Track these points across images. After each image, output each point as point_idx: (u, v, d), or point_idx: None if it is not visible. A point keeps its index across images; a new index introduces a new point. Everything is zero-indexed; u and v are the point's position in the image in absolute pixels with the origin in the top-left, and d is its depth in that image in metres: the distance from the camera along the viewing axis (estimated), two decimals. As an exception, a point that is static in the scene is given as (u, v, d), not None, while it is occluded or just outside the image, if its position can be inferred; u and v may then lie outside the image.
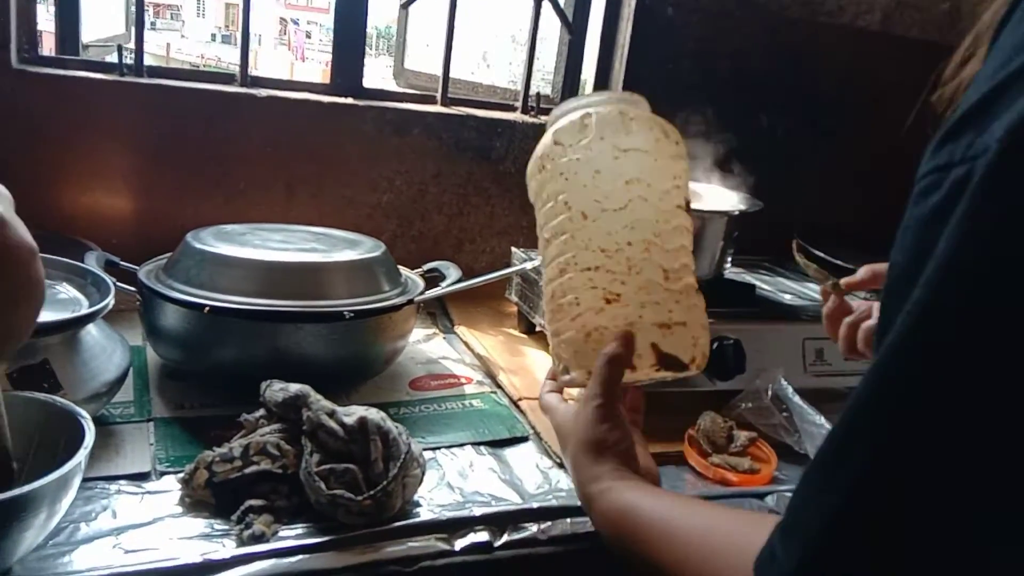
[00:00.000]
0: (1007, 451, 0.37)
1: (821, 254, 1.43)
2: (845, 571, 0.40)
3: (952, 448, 0.38)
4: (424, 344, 1.30)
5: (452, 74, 1.53)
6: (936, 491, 0.38)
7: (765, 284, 1.40)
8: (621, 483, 0.71)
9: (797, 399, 1.04)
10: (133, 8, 1.37)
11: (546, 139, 0.82)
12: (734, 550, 0.49)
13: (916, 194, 0.41)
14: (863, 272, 0.97)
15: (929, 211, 0.39)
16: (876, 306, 0.94)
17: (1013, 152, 0.36)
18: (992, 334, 0.37)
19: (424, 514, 0.84)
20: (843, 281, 0.99)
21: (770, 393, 1.07)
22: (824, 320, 1.00)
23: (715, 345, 1.10)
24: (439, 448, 0.98)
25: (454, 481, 0.92)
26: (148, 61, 1.34)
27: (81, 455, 0.69)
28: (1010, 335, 0.36)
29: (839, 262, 1.39)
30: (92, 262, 1.03)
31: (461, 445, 1.00)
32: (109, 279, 0.95)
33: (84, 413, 0.75)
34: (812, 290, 1.39)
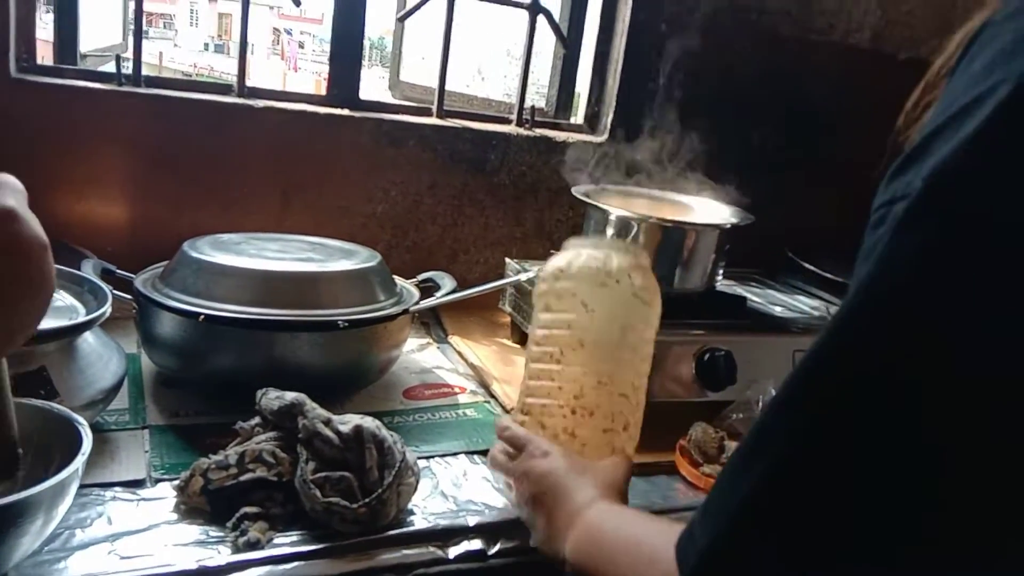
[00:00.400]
0: (899, 456, 0.41)
1: (813, 268, 1.45)
2: (749, 549, 0.45)
3: (847, 449, 0.42)
4: (418, 354, 1.30)
5: (448, 87, 1.54)
6: (834, 486, 0.43)
7: (756, 296, 1.41)
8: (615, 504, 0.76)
9: (787, 410, 1.05)
10: (131, 18, 1.38)
11: (620, 262, 0.88)
12: (662, 539, 0.53)
13: (869, 226, 0.44)
14: None
15: (874, 242, 0.43)
16: None
17: (930, 193, 0.40)
18: (890, 354, 0.41)
19: (418, 522, 0.85)
20: None
21: (760, 404, 1.08)
22: None
23: (706, 356, 1.12)
24: (433, 457, 0.99)
25: (448, 490, 0.93)
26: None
27: (78, 462, 0.69)
28: (905, 357, 0.41)
29: (828, 275, 1.41)
30: (89, 270, 1.04)
31: (455, 454, 1.01)
32: (106, 287, 0.96)
33: (81, 420, 0.75)
34: (802, 303, 1.40)
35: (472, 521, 0.86)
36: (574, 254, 0.90)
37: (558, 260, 0.91)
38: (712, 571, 0.46)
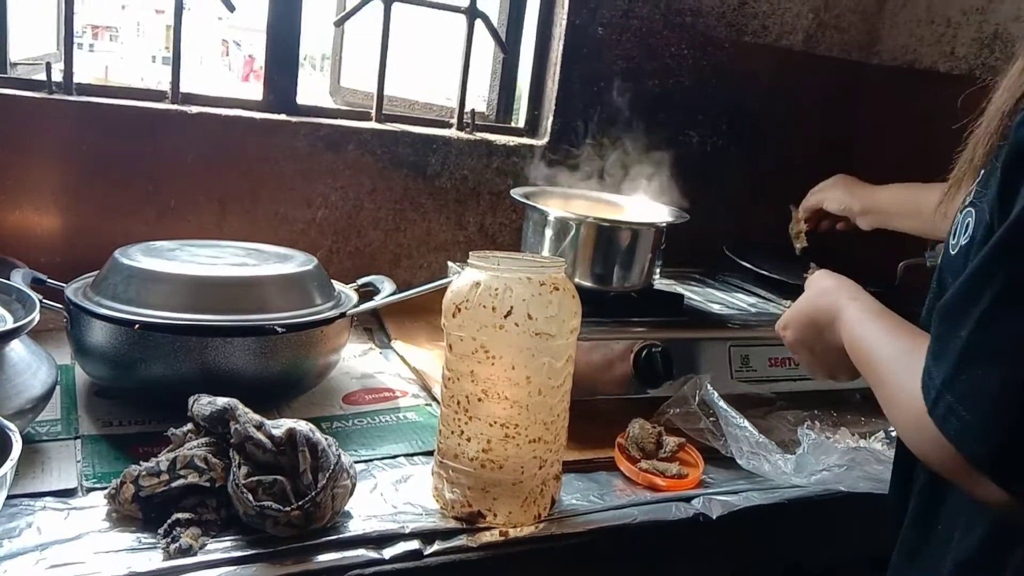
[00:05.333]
0: None
1: (750, 265, 1.47)
2: (975, 374, 0.58)
3: None
4: (360, 359, 1.30)
5: (388, 92, 1.54)
6: None
7: (694, 294, 1.43)
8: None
9: (723, 404, 1.07)
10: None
11: (516, 300, 0.83)
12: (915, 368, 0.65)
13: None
14: None
15: None
16: None
17: None
18: None
19: (355, 525, 0.84)
20: None
21: (697, 399, 1.09)
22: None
23: (644, 353, 1.13)
24: (372, 460, 0.99)
25: (387, 492, 0.92)
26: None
27: (6, 467, 0.68)
28: None
29: (765, 272, 1.44)
30: (18, 280, 1.02)
31: (394, 457, 1.01)
32: (35, 296, 0.94)
33: (11, 426, 0.75)
34: (739, 300, 1.42)
35: (409, 525, 0.86)
36: (471, 286, 0.85)
37: (456, 290, 0.87)
38: (948, 399, 0.59)
